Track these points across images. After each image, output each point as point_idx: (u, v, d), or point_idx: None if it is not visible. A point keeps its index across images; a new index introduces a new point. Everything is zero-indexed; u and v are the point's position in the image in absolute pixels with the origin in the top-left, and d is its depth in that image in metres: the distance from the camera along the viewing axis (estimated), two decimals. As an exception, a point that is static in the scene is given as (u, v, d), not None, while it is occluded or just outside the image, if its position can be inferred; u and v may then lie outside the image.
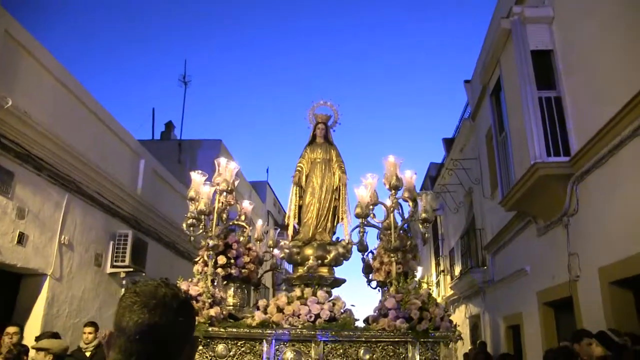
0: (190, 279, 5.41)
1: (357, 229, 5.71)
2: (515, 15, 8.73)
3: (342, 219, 6.68)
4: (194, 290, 5.13)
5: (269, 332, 5.14)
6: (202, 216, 5.52)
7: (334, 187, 6.77)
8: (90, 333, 7.41)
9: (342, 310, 5.45)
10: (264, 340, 5.12)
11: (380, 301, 5.53)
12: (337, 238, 6.68)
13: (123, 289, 10.82)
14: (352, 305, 5.79)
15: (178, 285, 1.76)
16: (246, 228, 5.98)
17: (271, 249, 6.85)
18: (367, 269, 6.40)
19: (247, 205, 6.21)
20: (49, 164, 8.52)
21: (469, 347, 13.83)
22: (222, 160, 5.81)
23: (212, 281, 5.51)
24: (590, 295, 7.38)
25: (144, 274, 10.83)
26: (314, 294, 5.46)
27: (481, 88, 12.18)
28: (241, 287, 6.34)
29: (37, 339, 6.40)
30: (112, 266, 10.49)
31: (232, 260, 6.13)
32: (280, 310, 5.32)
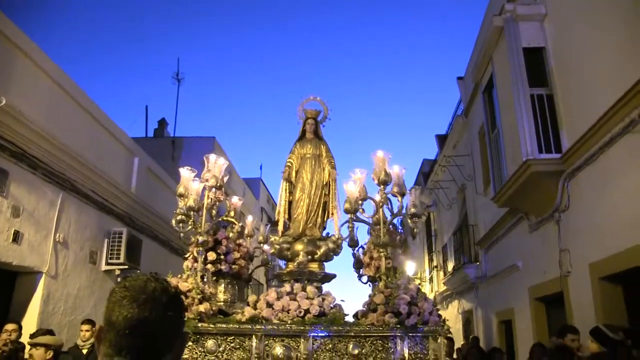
0: (180, 275, 5.37)
1: (347, 224, 5.68)
2: (507, 13, 8.71)
3: (332, 214, 6.63)
4: (183, 287, 5.09)
5: (258, 327, 5.09)
6: (192, 212, 5.48)
7: (324, 183, 6.72)
8: (87, 331, 7.42)
9: (331, 306, 5.42)
10: (254, 336, 5.07)
11: (370, 296, 5.50)
12: (327, 233, 6.64)
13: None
14: (342, 301, 5.76)
15: (168, 280, 1.72)
16: (235, 224, 5.95)
17: (262, 244, 6.82)
18: (358, 264, 6.37)
19: (236, 201, 6.17)
20: (44, 163, 8.51)
21: (462, 342, 13.82)
22: (212, 157, 5.77)
23: (202, 277, 5.47)
24: (581, 291, 7.38)
25: (138, 271, 10.79)
26: (304, 289, 5.43)
27: (474, 85, 12.17)
28: (232, 283, 6.29)
29: (32, 336, 6.36)
30: (107, 263, 10.46)
31: (222, 256, 6.09)
32: (269, 305, 5.28)
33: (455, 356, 12.98)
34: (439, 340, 5.21)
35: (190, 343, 5.06)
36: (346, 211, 5.59)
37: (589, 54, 7.18)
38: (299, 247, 6.28)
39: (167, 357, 1.57)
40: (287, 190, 6.78)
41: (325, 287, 6.30)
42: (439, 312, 5.53)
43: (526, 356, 7.85)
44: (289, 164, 6.81)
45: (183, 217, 5.52)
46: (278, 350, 5.07)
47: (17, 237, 7.84)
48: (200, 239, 5.46)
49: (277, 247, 6.30)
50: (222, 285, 6.22)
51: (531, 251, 9.44)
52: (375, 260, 6.02)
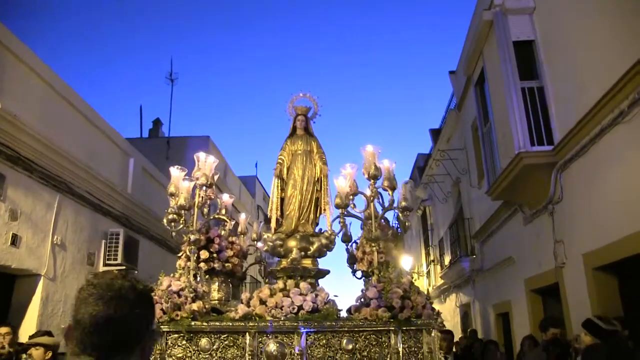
0: (172, 274, 5.33)
1: (338, 220, 5.64)
2: (496, 7, 8.70)
3: (325, 210, 6.59)
4: (176, 285, 5.06)
5: (252, 324, 5.05)
6: (183, 211, 5.44)
7: (316, 179, 6.67)
8: None
9: (324, 301, 5.38)
10: (247, 333, 5.03)
11: (362, 291, 5.46)
12: (320, 229, 6.60)
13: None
14: (335, 296, 5.72)
15: (137, 278, 1.69)
16: (227, 221, 5.91)
17: (255, 242, 6.78)
18: (352, 259, 6.34)
19: (227, 198, 6.13)
20: (40, 166, 8.48)
21: (460, 336, 13.79)
22: (202, 155, 5.72)
23: (195, 276, 5.44)
24: (576, 281, 7.37)
25: (136, 272, 10.77)
26: (297, 285, 5.39)
27: (466, 79, 12.15)
28: (225, 281, 6.26)
29: (32, 337, 6.34)
30: (105, 265, 10.38)
31: (215, 255, 6.06)
32: (263, 302, 5.24)
33: (454, 350, 12.97)
34: (432, 334, 5.17)
35: (184, 341, 5.02)
36: (337, 206, 5.55)
37: (578, 46, 7.16)
38: (292, 243, 6.23)
39: (135, 354, 1.54)
40: (279, 187, 6.73)
41: (320, 283, 6.27)
42: (433, 306, 5.49)
43: (523, 348, 7.84)
44: (280, 160, 6.76)
45: (175, 216, 5.48)
46: (272, 347, 5.03)
47: (15, 240, 7.81)
48: (192, 237, 5.42)
49: (270, 244, 6.25)
50: (216, 283, 6.18)
51: (526, 243, 9.43)
52: (368, 255, 5.98)
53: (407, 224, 5.71)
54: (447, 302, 17.11)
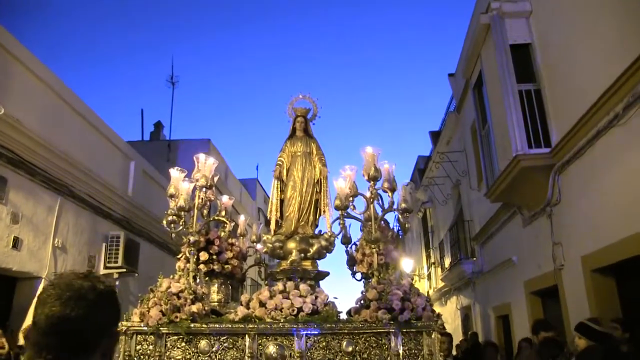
0: (172, 276, 5.31)
1: (338, 221, 5.62)
2: (493, 10, 8.71)
3: (324, 211, 6.55)
4: (175, 287, 5.03)
5: (251, 326, 5.00)
6: (182, 212, 5.42)
7: (315, 180, 6.63)
8: None
9: (324, 303, 5.34)
10: (247, 335, 4.98)
11: (362, 293, 5.43)
12: (320, 231, 6.56)
13: (117, 290, 10.77)
14: (335, 298, 5.70)
15: (101, 278, 1.65)
16: (227, 223, 5.88)
17: (254, 243, 6.76)
18: (351, 261, 6.29)
19: (226, 200, 6.10)
20: (41, 169, 8.56)
21: (460, 339, 13.75)
22: (201, 156, 5.70)
23: (194, 277, 5.41)
24: (575, 283, 7.36)
25: (136, 275, 10.77)
26: (297, 287, 5.36)
27: (464, 82, 12.14)
28: (225, 283, 6.22)
29: (32, 339, 6.30)
30: (105, 267, 10.42)
31: (215, 256, 6.02)
32: (262, 304, 5.21)
33: (454, 352, 12.94)
34: (433, 336, 5.12)
35: (183, 344, 4.99)
36: (337, 208, 5.51)
37: (574, 48, 7.16)
38: (291, 245, 6.20)
39: (95, 356, 1.50)
40: (279, 189, 6.69)
41: (320, 284, 6.24)
42: (433, 308, 5.46)
43: (524, 351, 7.81)
44: (279, 162, 6.72)
45: (174, 217, 5.46)
46: (271, 349, 4.99)
47: (16, 243, 7.89)
48: (192, 238, 5.39)
49: (270, 245, 6.22)
50: (215, 285, 6.15)
51: (525, 245, 9.41)
52: (367, 257, 5.94)
53: (407, 225, 5.68)
54: (448, 305, 17.08)
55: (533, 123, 8.03)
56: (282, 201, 6.65)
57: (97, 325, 1.50)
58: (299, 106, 6.99)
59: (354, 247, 6.35)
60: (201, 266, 5.85)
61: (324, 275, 6.29)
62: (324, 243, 6.21)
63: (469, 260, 13.31)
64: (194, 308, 4.99)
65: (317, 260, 6.37)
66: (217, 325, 5.04)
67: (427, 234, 19.80)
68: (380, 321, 5.03)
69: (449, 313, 16.83)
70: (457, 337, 14.55)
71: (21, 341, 6.64)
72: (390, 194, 5.60)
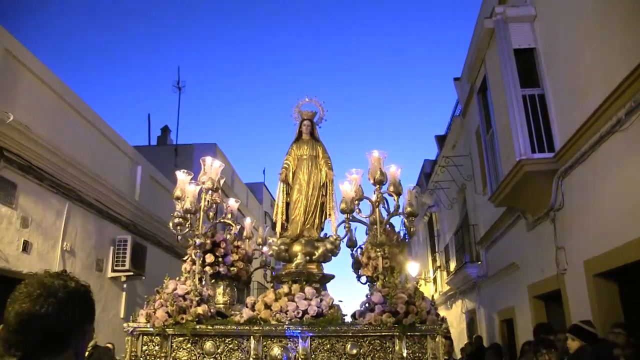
0: (178, 278, 5.33)
1: (343, 225, 5.62)
2: (497, 15, 8.67)
3: (330, 215, 6.55)
4: (181, 289, 5.06)
5: (256, 328, 5.02)
6: (189, 215, 5.45)
7: (321, 184, 6.63)
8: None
9: (329, 306, 5.35)
10: (252, 337, 5.00)
11: (367, 296, 5.43)
12: (325, 234, 6.56)
13: (124, 293, 10.85)
14: (340, 301, 5.70)
15: (74, 277, 1.65)
16: (233, 226, 5.90)
17: (260, 246, 6.77)
18: (357, 265, 6.30)
19: (233, 203, 6.12)
20: (50, 174, 8.66)
21: (465, 342, 13.73)
22: (208, 159, 5.70)
23: (200, 279, 5.43)
24: (577, 288, 7.33)
25: (143, 278, 10.80)
26: (302, 290, 5.37)
27: (469, 86, 12.13)
28: (231, 285, 6.24)
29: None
30: (113, 270, 10.50)
31: (220, 259, 6.03)
32: (267, 306, 5.22)
33: (459, 356, 12.92)
34: (437, 339, 5.12)
35: (189, 345, 5.01)
36: (342, 211, 5.50)
37: (578, 53, 7.14)
38: (297, 248, 6.20)
39: (67, 354, 1.50)
40: (285, 192, 6.69)
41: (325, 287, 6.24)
42: (438, 311, 5.46)
43: (528, 355, 7.79)
44: (285, 165, 6.73)
45: (180, 219, 5.48)
46: (276, 351, 5.00)
47: (26, 247, 8.01)
48: (198, 241, 5.41)
49: (275, 248, 6.23)
50: (221, 287, 6.16)
51: (529, 249, 9.38)
52: (372, 260, 5.94)
53: (412, 229, 5.68)
54: (454, 308, 17.03)
55: (537, 128, 8.00)
56: (287, 204, 6.66)
57: (67, 322, 1.49)
58: (305, 109, 7.01)
59: (359, 250, 6.36)
60: (207, 268, 5.87)
61: (329, 278, 6.28)
62: (329, 246, 6.21)
63: (474, 264, 13.26)
64: (200, 310, 5.01)
65: (323, 264, 6.37)
66: (223, 327, 5.06)
67: (433, 237, 19.75)
68: (384, 324, 5.03)
69: (455, 316, 16.79)
70: (463, 341, 14.55)
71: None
72: (395, 198, 5.58)
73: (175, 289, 5.06)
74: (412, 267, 18.67)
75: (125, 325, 5.11)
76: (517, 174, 8.01)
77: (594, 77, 6.62)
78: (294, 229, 6.40)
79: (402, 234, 6.43)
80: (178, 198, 5.48)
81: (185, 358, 4.99)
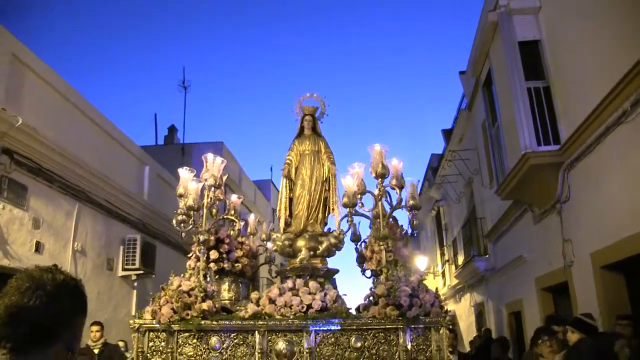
0: (182, 274, 5.33)
1: (346, 219, 5.61)
2: (501, 8, 8.61)
3: (333, 209, 6.52)
4: (186, 285, 5.06)
5: (261, 323, 5.03)
6: (192, 212, 5.45)
7: (324, 179, 6.62)
8: (97, 331, 7.64)
9: (333, 300, 5.33)
10: (256, 332, 5.00)
11: (371, 289, 5.41)
12: (329, 229, 6.54)
13: (135, 291, 10.91)
14: (344, 295, 5.69)
15: (64, 271, 1.66)
16: (236, 222, 5.89)
17: (264, 242, 6.76)
18: (361, 259, 6.27)
19: (235, 199, 6.11)
20: (59, 176, 8.74)
21: (474, 335, 13.69)
22: (209, 156, 5.71)
23: (205, 276, 5.43)
24: (584, 280, 7.29)
25: (153, 276, 10.84)
26: (306, 284, 5.36)
27: (475, 80, 12.06)
28: (236, 281, 6.23)
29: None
30: (124, 269, 10.57)
31: (225, 255, 6.03)
32: (272, 301, 5.22)
33: (468, 349, 12.89)
34: (441, 332, 5.11)
35: (194, 340, 5.02)
36: (345, 205, 5.50)
37: (583, 45, 7.08)
38: (300, 243, 6.18)
39: (55, 346, 1.49)
40: (288, 187, 6.68)
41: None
42: (443, 304, 5.43)
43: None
44: (288, 161, 6.71)
45: (183, 216, 5.49)
46: (281, 345, 5.00)
47: (38, 248, 8.13)
48: (201, 237, 5.41)
49: (279, 244, 6.23)
50: (226, 283, 6.16)
51: (536, 242, 9.33)
52: (376, 254, 5.92)
53: (415, 222, 5.66)
54: (462, 302, 16.97)
55: (542, 120, 7.94)
56: (291, 200, 6.65)
57: (55, 316, 1.49)
58: (307, 105, 6.99)
59: (363, 244, 6.34)
60: (211, 264, 5.87)
61: (333, 272, 6.28)
62: (333, 241, 6.21)
63: (481, 257, 13.20)
64: (205, 306, 5.01)
65: (327, 258, 6.36)
66: (227, 322, 5.07)
67: (441, 231, 19.68)
68: (388, 317, 5.02)
69: (463, 310, 16.73)
70: (472, 334, 14.51)
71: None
72: (398, 191, 5.57)
73: (180, 286, 5.06)
74: (420, 261, 18.67)
75: (131, 322, 5.12)
76: (523, 167, 7.96)
77: (599, 68, 6.56)
78: (297, 224, 6.38)
79: (409, 229, 6.37)
80: (181, 195, 5.49)
81: (191, 353, 5.01)
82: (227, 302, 5.96)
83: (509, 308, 11.59)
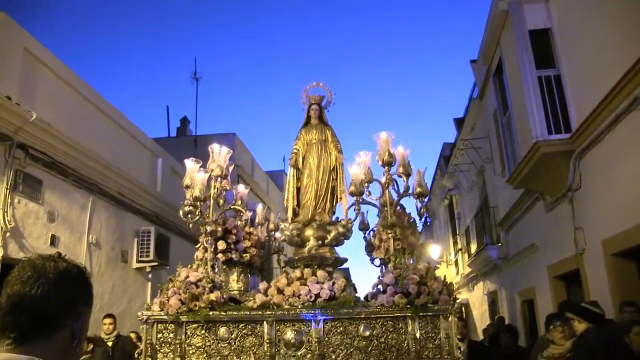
0: (190, 265, 5.30)
1: (354, 207, 5.55)
2: (512, -4, 8.49)
3: (341, 198, 6.44)
4: (194, 276, 5.02)
5: (269, 313, 4.98)
6: (198, 202, 5.41)
7: (331, 168, 6.53)
8: (110, 324, 7.66)
9: (342, 289, 5.27)
10: (265, 322, 4.95)
11: (379, 277, 5.35)
12: (337, 218, 6.48)
13: (149, 283, 10.94)
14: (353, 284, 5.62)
15: (69, 259, 1.63)
16: (243, 212, 5.84)
17: (272, 232, 6.71)
18: (370, 247, 6.21)
19: (242, 189, 6.06)
20: (73, 170, 8.82)
21: (488, 323, 13.59)
22: (215, 146, 5.65)
23: (212, 266, 5.39)
24: (596, 267, 7.23)
25: (168, 267, 10.87)
26: (314, 274, 5.30)
27: (486, 68, 11.94)
28: (244, 271, 6.19)
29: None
30: (138, 261, 10.62)
31: (232, 245, 5.98)
32: (280, 291, 5.17)
33: (482, 337, 12.80)
34: (450, 319, 5.03)
35: (203, 331, 4.98)
36: (352, 194, 5.44)
37: (594, 32, 6.98)
38: (309, 232, 6.12)
39: (61, 335, 1.47)
40: (295, 177, 6.61)
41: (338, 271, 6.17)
42: (451, 291, 5.35)
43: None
44: (295, 150, 6.63)
45: (190, 207, 5.45)
46: (289, 334, 4.95)
47: (54, 241, 8.22)
48: (209, 228, 5.37)
49: (288, 233, 6.17)
50: (235, 274, 6.11)
51: (548, 230, 9.25)
52: (384, 242, 5.85)
53: (423, 210, 5.58)
54: (475, 290, 16.89)
55: (553, 109, 7.88)
56: (298, 189, 6.59)
57: (57, 304, 1.46)
58: (313, 93, 6.91)
59: (371, 233, 6.27)
60: (219, 255, 5.83)
61: (342, 261, 6.21)
62: (341, 230, 6.14)
63: (494, 246, 13.12)
64: (212, 296, 4.96)
65: (335, 247, 6.30)
66: (236, 313, 5.03)
67: (454, 220, 19.56)
68: (397, 305, 4.95)
69: (477, 298, 16.65)
70: (485, 322, 14.42)
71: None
72: (405, 179, 5.50)
73: (187, 277, 5.03)
74: (433, 250, 18.54)
75: (139, 313, 5.10)
76: (534, 156, 7.88)
77: (610, 56, 6.46)
78: (305, 213, 6.31)
79: (420, 217, 6.27)
80: (187, 186, 5.46)
81: (200, 344, 4.97)
82: (236, 292, 5.92)
83: (522, 296, 11.50)
